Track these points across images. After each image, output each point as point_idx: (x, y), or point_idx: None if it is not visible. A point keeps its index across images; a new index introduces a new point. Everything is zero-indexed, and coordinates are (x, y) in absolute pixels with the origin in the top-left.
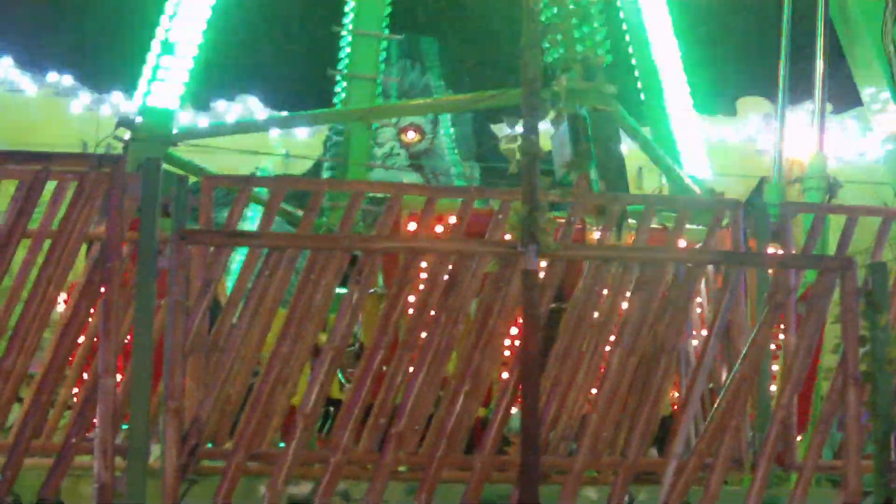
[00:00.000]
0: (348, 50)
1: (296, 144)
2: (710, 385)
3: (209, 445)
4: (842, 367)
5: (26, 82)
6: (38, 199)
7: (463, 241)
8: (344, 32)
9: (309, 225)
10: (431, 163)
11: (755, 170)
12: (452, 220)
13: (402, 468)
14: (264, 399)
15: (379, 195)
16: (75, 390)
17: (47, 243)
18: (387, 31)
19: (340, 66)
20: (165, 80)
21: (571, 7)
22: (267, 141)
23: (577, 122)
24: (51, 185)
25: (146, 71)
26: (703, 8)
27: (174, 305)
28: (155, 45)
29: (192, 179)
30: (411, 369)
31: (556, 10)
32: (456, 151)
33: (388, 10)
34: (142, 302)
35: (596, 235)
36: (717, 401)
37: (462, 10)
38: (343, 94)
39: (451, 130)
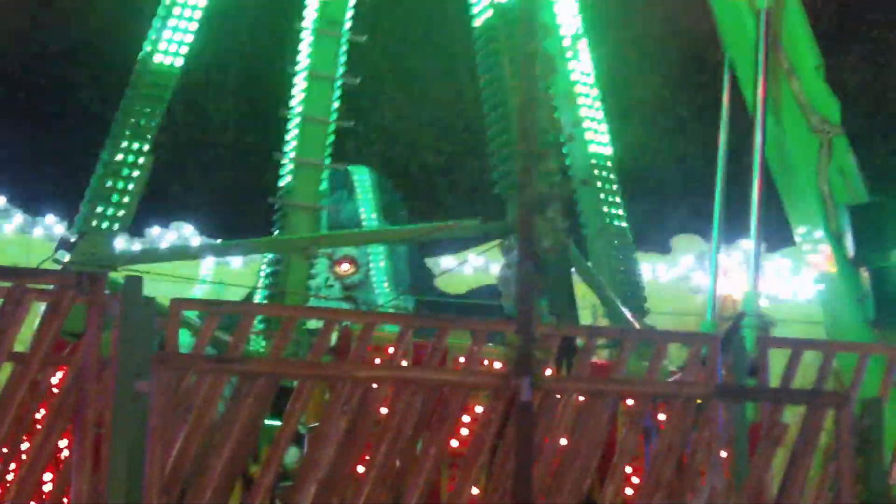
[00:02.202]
0: (289, 178)
1: (228, 273)
2: None
3: None
4: None
5: None
6: (12, 320)
7: (452, 371)
8: (285, 161)
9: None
10: (365, 295)
11: (688, 308)
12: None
13: None
14: None
15: None
16: None
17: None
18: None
19: (281, 193)
20: (105, 202)
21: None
22: (197, 269)
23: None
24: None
25: (87, 193)
26: (638, 146)
27: (151, 434)
28: (96, 166)
29: None
30: None
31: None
32: (386, 286)
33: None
34: (119, 429)
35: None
36: None
37: (393, 140)
38: (283, 223)
39: (383, 265)
